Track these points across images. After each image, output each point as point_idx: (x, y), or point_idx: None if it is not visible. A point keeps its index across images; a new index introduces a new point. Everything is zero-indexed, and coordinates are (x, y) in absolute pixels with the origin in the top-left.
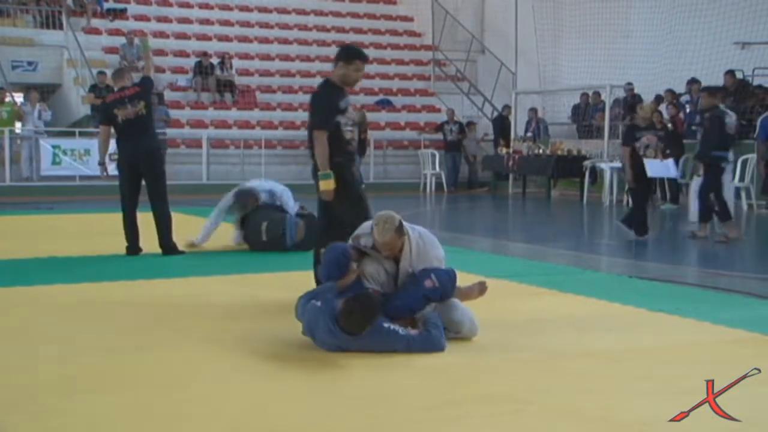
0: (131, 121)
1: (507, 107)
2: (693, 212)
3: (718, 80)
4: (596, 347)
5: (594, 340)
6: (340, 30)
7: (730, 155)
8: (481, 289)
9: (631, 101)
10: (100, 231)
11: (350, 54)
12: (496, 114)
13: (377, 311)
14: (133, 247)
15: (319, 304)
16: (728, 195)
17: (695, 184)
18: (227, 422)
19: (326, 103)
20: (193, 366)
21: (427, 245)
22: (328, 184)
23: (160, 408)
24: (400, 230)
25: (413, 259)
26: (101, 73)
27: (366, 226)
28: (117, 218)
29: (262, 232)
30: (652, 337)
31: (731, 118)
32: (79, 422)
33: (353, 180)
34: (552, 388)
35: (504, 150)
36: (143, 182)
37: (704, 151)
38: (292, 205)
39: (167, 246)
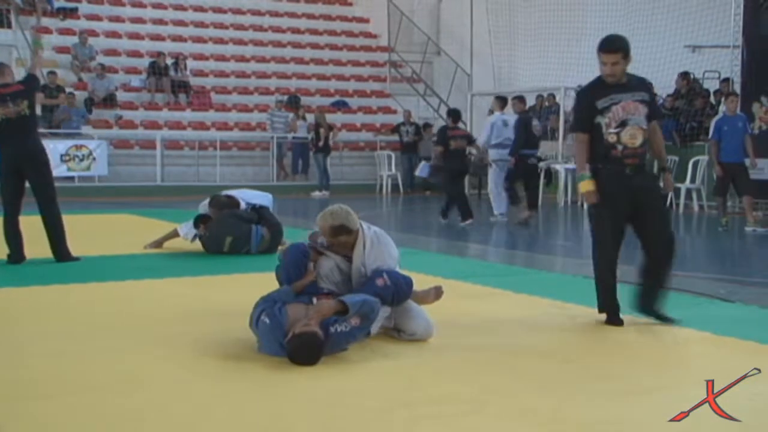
0: (12, 120)
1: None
2: (497, 205)
3: (670, 83)
4: (550, 347)
5: (548, 340)
6: (296, 31)
7: (538, 152)
8: (437, 293)
9: None
10: None
11: (598, 46)
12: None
13: (319, 353)
14: (16, 255)
15: (268, 321)
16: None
17: (492, 181)
18: (178, 424)
19: (583, 102)
20: (143, 369)
21: (381, 244)
22: (584, 185)
23: (110, 411)
24: (337, 230)
25: (366, 255)
26: (51, 73)
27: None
28: None
29: (225, 245)
30: (606, 337)
31: (537, 121)
32: (28, 428)
33: (610, 192)
34: (507, 388)
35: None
36: (28, 185)
37: (514, 149)
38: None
39: (61, 253)
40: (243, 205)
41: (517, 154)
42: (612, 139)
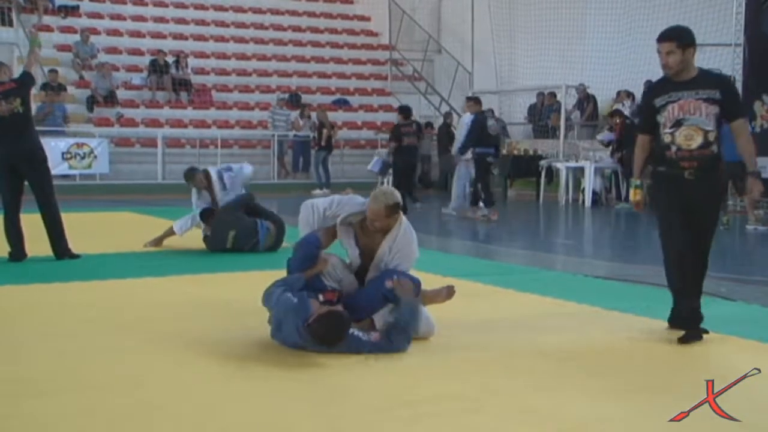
0: (5, 119)
1: (449, 114)
2: (454, 200)
3: None
4: (550, 346)
5: (548, 339)
6: (297, 29)
7: (493, 151)
8: (448, 292)
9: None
10: None
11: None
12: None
13: (347, 331)
14: (18, 253)
15: (295, 300)
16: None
17: (461, 178)
18: (179, 423)
19: (643, 100)
20: (144, 367)
21: (410, 238)
22: (632, 194)
23: (110, 410)
24: (392, 209)
25: (396, 243)
26: (53, 71)
27: (361, 204)
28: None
29: (228, 240)
30: (606, 336)
31: (492, 121)
32: (28, 426)
33: (665, 198)
34: (506, 386)
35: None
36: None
37: (461, 148)
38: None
39: (61, 250)
40: (213, 175)
41: (475, 153)
42: (667, 139)
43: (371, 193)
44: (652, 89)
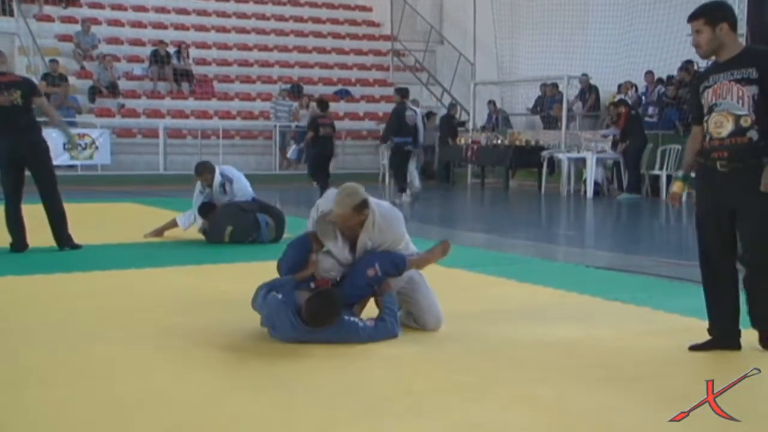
0: (6, 109)
1: (453, 105)
2: (410, 184)
3: (674, 71)
4: (552, 336)
5: (550, 330)
6: (298, 19)
7: (410, 140)
8: (443, 249)
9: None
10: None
11: None
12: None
13: (340, 308)
14: (19, 243)
15: (280, 296)
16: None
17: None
18: (181, 413)
19: (690, 88)
20: (145, 358)
21: (388, 223)
22: (674, 185)
23: (110, 400)
24: (359, 208)
25: (374, 234)
26: (53, 61)
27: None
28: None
29: (225, 235)
30: (608, 326)
31: (410, 112)
32: (30, 416)
33: (698, 192)
34: (508, 377)
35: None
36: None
37: (386, 137)
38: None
39: (63, 240)
40: (217, 176)
41: (393, 142)
42: (705, 128)
43: (335, 199)
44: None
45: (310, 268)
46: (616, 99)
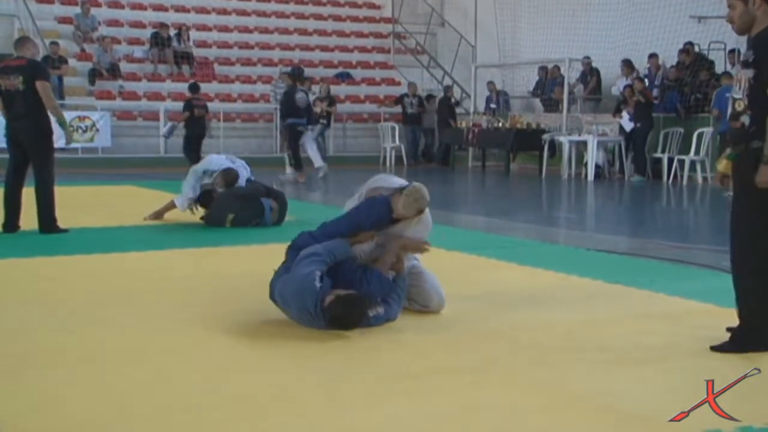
0: (10, 92)
1: (449, 87)
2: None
3: (676, 53)
4: (554, 319)
5: (551, 312)
6: (299, 2)
7: (305, 121)
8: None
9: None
10: None
11: None
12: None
13: (365, 315)
14: (11, 225)
15: (318, 285)
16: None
17: (307, 143)
18: (183, 395)
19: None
20: (149, 339)
21: (426, 226)
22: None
23: (115, 382)
24: (422, 212)
25: (412, 229)
26: (54, 43)
27: (391, 182)
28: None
29: (226, 221)
30: (609, 309)
31: (300, 94)
32: (32, 398)
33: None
34: (510, 359)
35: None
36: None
37: (283, 119)
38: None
39: (45, 223)
40: (242, 179)
41: (287, 123)
42: None
43: (411, 194)
44: None
45: (368, 236)
46: (631, 80)
